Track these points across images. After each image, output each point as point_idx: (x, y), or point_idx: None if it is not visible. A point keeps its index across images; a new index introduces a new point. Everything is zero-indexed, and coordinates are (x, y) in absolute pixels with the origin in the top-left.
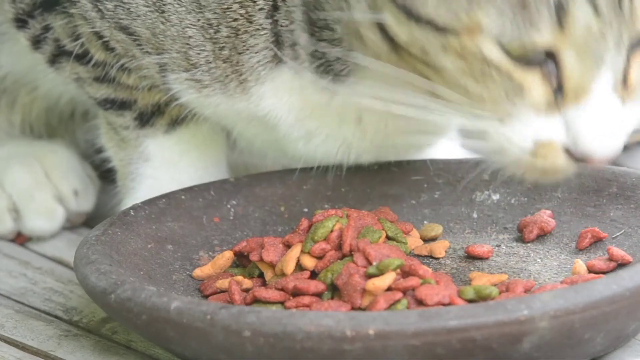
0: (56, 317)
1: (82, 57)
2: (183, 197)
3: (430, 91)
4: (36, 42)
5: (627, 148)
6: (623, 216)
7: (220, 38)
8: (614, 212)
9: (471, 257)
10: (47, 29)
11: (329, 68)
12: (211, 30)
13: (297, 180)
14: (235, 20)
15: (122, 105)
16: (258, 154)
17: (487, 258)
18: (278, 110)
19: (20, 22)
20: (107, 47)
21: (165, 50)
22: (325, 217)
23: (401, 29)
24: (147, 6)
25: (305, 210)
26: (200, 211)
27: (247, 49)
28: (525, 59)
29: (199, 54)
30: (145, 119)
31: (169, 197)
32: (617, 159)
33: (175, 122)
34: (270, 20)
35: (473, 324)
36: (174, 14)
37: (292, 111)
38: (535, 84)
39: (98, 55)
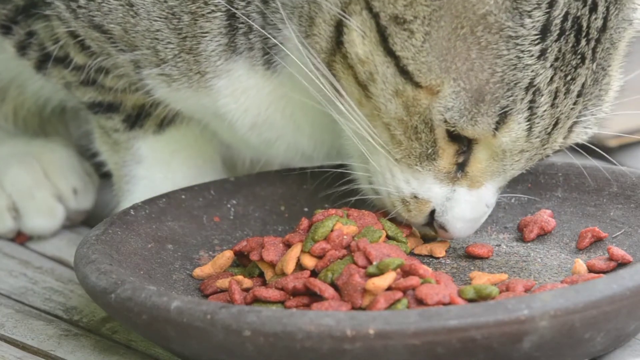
0: (56, 316)
1: (63, 60)
2: (183, 196)
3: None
4: (22, 48)
5: (627, 147)
6: (623, 216)
7: (183, 27)
8: (614, 212)
9: (471, 257)
10: (31, 34)
11: (269, 57)
12: (175, 20)
13: (297, 179)
14: (193, 2)
15: (109, 108)
16: (233, 148)
17: (487, 258)
18: (235, 111)
19: (4, 29)
20: (83, 47)
21: (137, 47)
22: (325, 216)
23: (363, 45)
24: (117, 0)
25: (306, 209)
26: (201, 211)
27: (204, 35)
28: (453, 135)
29: (166, 47)
30: (133, 121)
31: (169, 197)
32: (617, 159)
33: (164, 123)
34: (224, 2)
35: (473, 324)
36: (142, 7)
37: (248, 115)
38: (449, 156)
39: (77, 57)
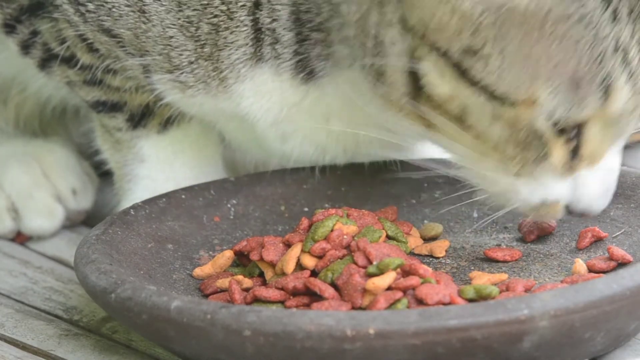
0: (56, 316)
1: (69, 60)
2: (183, 196)
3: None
4: (25, 47)
5: (627, 147)
6: (623, 215)
7: (202, 35)
8: (614, 212)
9: (488, 260)
10: (35, 33)
11: (307, 64)
12: (192, 29)
13: (297, 179)
14: (216, 16)
15: (113, 108)
16: (240, 150)
17: (504, 262)
18: (257, 111)
19: (9, 28)
20: (91, 49)
21: (148, 52)
22: (325, 216)
23: (444, 84)
24: (129, 6)
25: (306, 209)
26: (201, 210)
27: (227, 45)
28: (562, 129)
29: (181, 54)
30: (137, 120)
31: (169, 197)
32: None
33: (168, 122)
34: (251, 17)
35: (473, 324)
36: (155, 14)
37: (270, 113)
38: (559, 149)
39: (84, 57)
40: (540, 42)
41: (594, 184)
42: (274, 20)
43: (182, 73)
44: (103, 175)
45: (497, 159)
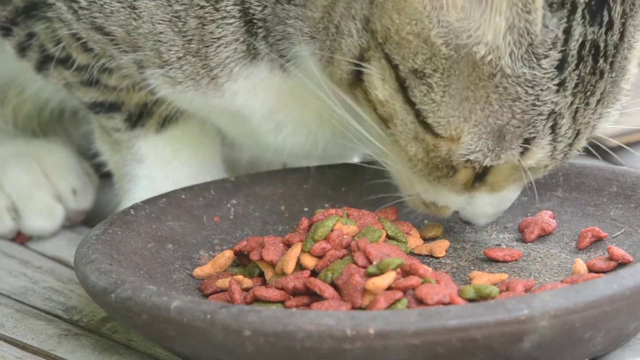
0: (56, 316)
1: (65, 61)
2: (183, 196)
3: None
4: (22, 50)
5: (627, 147)
6: (623, 215)
7: (188, 30)
8: (614, 212)
9: (488, 260)
10: (31, 35)
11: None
12: (179, 23)
13: (297, 179)
14: (202, 8)
15: (111, 108)
16: (234, 146)
17: (504, 262)
18: (252, 106)
19: (4, 30)
20: (85, 48)
21: (140, 48)
22: (325, 216)
23: (383, 90)
24: (120, 2)
25: (306, 209)
26: (201, 210)
27: (214, 41)
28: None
29: (169, 50)
30: (135, 120)
31: (169, 197)
32: (617, 158)
33: (166, 121)
34: (239, 7)
35: (473, 323)
36: (145, 10)
37: (266, 105)
38: (466, 172)
39: (79, 57)
40: (483, 90)
41: (488, 205)
42: (265, 7)
43: (171, 69)
44: (103, 176)
45: (407, 161)
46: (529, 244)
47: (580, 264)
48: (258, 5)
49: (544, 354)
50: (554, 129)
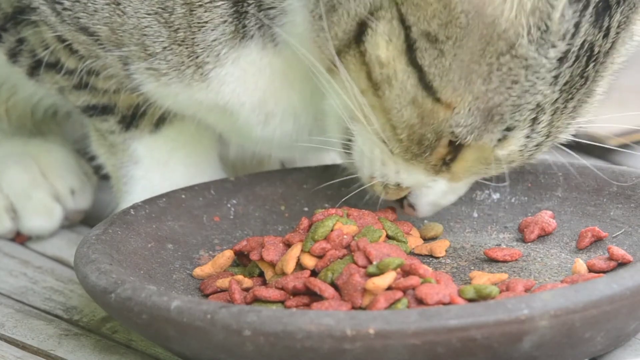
0: (56, 316)
1: (55, 66)
2: (183, 196)
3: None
4: (13, 56)
5: (627, 147)
6: (623, 215)
7: (175, 20)
8: (614, 211)
9: (488, 260)
10: (21, 41)
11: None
12: (166, 14)
13: (297, 179)
14: None
15: (104, 111)
16: (223, 142)
17: (504, 262)
18: (240, 96)
19: None
20: (71, 50)
21: (125, 45)
22: (325, 216)
23: (387, 50)
24: None
25: (306, 209)
26: (201, 210)
27: (203, 26)
28: (453, 143)
29: (154, 42)
30: (128, 122)
31: (169, 196)
32: (617, 158)
33: (160, 122)
34: None
35: (473, 323)
36: (129, 5)
37: (256, 94)
38: (439, 154)
39: (68, 61)
40: (490, 66)
41: (441, 193)
42: None
43: (155, 60)
44: (104, 178)
45: (387, 135)
46: (529, 244)
47: (580, 264)
48: None
49: (544, 353)
50: (533, 122)
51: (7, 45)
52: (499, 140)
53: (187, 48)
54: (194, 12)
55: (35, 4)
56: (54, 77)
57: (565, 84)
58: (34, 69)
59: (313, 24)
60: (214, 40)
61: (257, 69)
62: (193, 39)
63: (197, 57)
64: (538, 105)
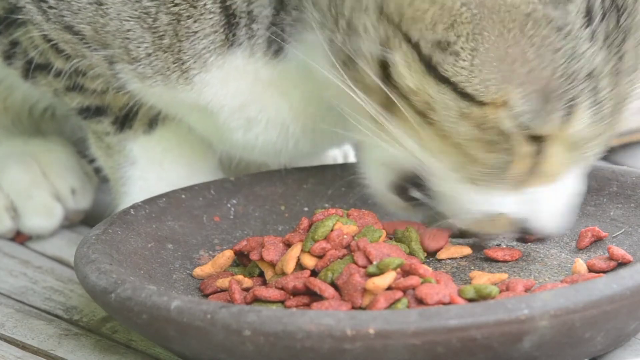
0: (56, 316)
1: (46, 67)
2: (183, 196)
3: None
4: (8, 58)
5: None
6: (623, 215)
7: (160, 26)
8: (614, 211)
9: (488, 260)
10: (14, 44)
11: (278, 36)
12: (149, 20)
13: (297, 179)
14: (177, 5)
15: (97, 112)
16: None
17: (504, 262)
18: (221, 99)
19: None
20: (58, 50)
21: (109, 45)
22: (325, 216)
23: (411, 77)
24: None
25: (306, 209)
26: (201, 210)
27: (191, 35)
28: (528, 136)
29: (138, 47)
30: (122, 122)
31: (169, 196)
32: (617, 159)
33: (153, 122)
34: (219, 5)
35: (473, 323)
36: (112, 7)
37: (237, 98)
38: (522, 159)
39: (57, 62)
40: (518, 45)
41: (550, 201)
42: (251, 2)
43: (140, 65)
44: (104, 179)
45: (458, 160)
46: (529, 244)
47: (580, 264)
48: (243, 2)
49: (544, 353)
50: (595, 90)
51: (2, 48)
52: (565, 119)
53: (172, 55)
54: (182, 22)
55: (21, 3)
56: (45, 78)
57: (605, 40)
58: (29, 71)
59: (342, 69)
60: (204, 48)
61: (239, 75)
62: (180, 47)
63: (183, 64)
64: (590, 72)
